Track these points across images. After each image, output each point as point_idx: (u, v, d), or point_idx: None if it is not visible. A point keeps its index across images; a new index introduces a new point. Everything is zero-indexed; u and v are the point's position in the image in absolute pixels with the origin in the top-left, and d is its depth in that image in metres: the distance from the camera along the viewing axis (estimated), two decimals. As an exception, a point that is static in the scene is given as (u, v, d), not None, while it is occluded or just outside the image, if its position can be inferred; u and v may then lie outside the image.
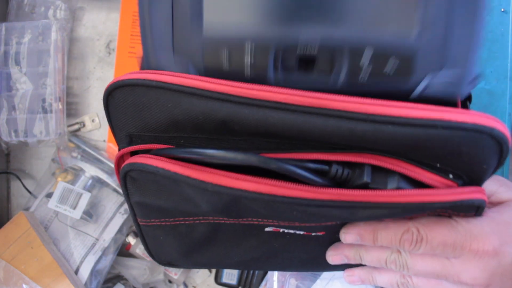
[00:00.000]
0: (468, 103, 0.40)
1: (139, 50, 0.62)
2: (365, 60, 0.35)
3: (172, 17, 0.36)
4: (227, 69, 0.35)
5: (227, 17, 0.37)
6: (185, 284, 0.67)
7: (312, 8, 0.36)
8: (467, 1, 0.36)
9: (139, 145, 0.35)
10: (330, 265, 0.42)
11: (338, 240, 0.40)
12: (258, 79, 0.35)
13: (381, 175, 0.33)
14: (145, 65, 0.37)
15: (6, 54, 0.61)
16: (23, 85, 0.61)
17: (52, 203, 0.59)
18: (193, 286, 0.67)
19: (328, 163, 0.33)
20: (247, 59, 0.36)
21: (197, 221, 0.40)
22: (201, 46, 0.36)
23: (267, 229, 0.39)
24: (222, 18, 0.36)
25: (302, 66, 0.37)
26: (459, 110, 0.31)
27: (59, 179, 0.62)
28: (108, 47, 0.65)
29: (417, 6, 0.36)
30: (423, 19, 0.36)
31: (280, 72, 0.36)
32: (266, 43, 0.35)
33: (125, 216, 0.62)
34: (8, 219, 0.61)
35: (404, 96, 0.35)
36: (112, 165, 0.64)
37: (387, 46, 0.35)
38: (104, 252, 0.60)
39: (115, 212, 0.62)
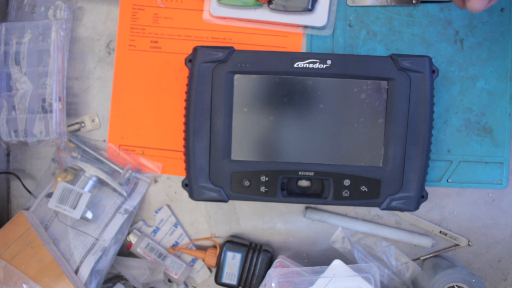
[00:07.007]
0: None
1: (139, 43, 0.65)
2: (346, 184, 0.55)
3: (209, 155, 0.55)
4: (247, 193, 0.55)
5: (248, 157, 0.56)
6: (185, 284, 0.67)
7: (307, 151, 0.56)
8: (416, 143, 0.55)
9: None
10: None
11: None
12: (269, 198, 0.56)
13: None
14: (188, 187, 0.57)
15: (6, 54, 0.61)
16: (23, 85, 0.61)
17: (52, 203, 0.59)
18: (193, 286, 0.67)
19: None
20: (262, 188, 0.56)
21: None
22: (229, 177, 0.56)
23: None
24: (244, 158, 0.56)
25: (300, 190, 0.59)
26: None
27: (59, 179, 0.62)
28: (108, 47, 0.65)
29: (382, 148, 0.56)
30: (386, 157, 0.55)
31: (285, 193, 0.57)
32: (275, 175, 0.55)
33: (125, 216, 0.62)
34: (8, 219, 0.61)
35: (376, 206, 0.56)
36: (112, 165, 0.64)
37: (360, 176, 0.55)
38: (104, 252, 0.60)
39: (115, 212, 0.62)
